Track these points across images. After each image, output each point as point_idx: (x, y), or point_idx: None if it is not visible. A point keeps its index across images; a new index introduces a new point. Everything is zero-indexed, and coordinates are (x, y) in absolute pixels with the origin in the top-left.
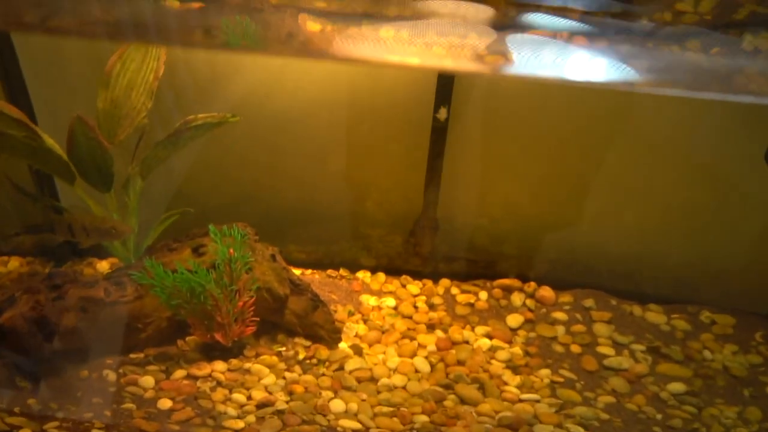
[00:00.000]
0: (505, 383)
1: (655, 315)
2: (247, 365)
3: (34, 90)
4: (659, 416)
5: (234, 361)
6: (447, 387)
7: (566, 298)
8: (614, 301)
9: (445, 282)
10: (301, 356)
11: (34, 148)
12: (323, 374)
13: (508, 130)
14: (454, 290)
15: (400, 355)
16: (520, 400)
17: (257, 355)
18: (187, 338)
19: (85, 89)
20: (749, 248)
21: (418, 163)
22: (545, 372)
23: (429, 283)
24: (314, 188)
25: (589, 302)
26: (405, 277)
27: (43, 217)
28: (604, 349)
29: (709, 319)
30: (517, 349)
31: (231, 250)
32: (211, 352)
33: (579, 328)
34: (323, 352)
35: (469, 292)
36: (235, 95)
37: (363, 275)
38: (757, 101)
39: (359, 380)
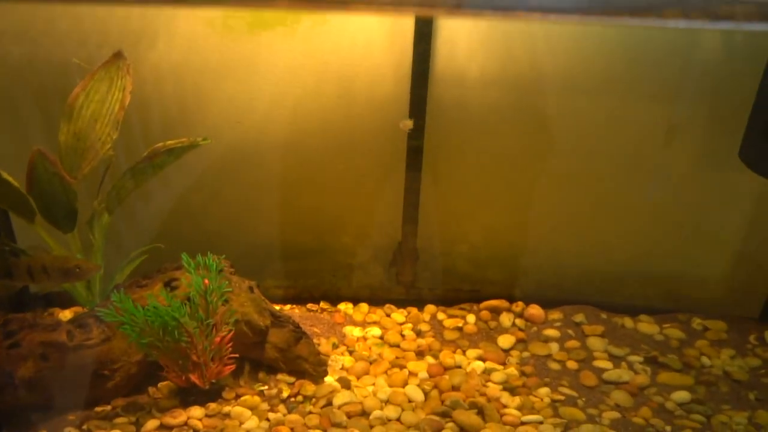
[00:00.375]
0: (505, 406)
1: (647, 325)
2: (227, 408)
3: None
4: (668, 428)
5: (212, 405)
6: (444, 415)
7: (556, 315)
8: (604, 314)
9: (430, 308)
10: (285, 394)
11: None
12: (310, 412)
13: (485, 153)
14: (441, 316)
15: (390, 385)
16: (522, 423)
17: (237, 397)
18: (160, 384)
19: (43, 123)
20: (731, 253)
21: (394, 192)
22: (544, 391)
23: (414, 310)
24: (289, 222)
25: (579, 317)
26: (389, 306)
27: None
28: (601, 363)
29: (701, 325)
30: (513, 370)
31: (206, 281)
32: (186, 397)
33: (573, 343)
34: (309, 387)
35: (456, 316)
36: (204, 126)
37: (345, 307)
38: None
39: (349, 415)
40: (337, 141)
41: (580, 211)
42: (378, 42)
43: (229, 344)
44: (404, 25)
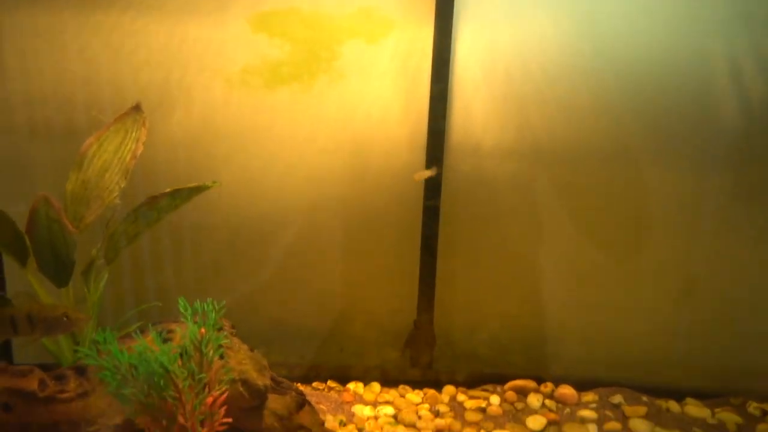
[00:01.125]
0: None
1: (695, 409)
2: None
3: None
4: None
5: None
6: None
7: (590, 396)
8: (645, 397)
9: (449, 389)
10: None
11: None
12: None
13: (504, 227)
14: (461, 397)
15: None
16: None
17: None
18: None
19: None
20: None
21: (409, 270)
22: None
23: (431, 391)
24: (298, 298)
25: (617, 398)
26: (403, 387)
27: None
28: None
29: (758, 409)
30: None
31: (202, 330)
32: None
33: (614, 425)
34: None
35: (478, 397)
36: (212, 196)
37: (354, 386)
38: None
39: None
40: (350, 215)
41: (609, 289)
42: (394, 110)
43: (223, 407)
44: (420, 88)
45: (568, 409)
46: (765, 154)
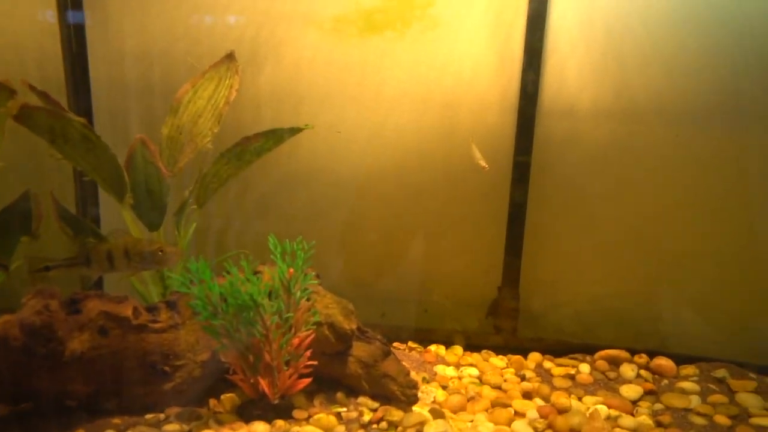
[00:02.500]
0: None
1: None
2: (296, 428)
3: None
4: None
5: (279, 422)
6: None
7: (689, 369)
8: (752, 374)
9: (535, 356)
10: (366, 418)
11: (92, 143)
12: None
13: (597, 195)
14: (548, 364)
15: (493, 422)
16: None
17: (309, 417)
18: (223, 396)
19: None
20: None
21: (495, 236)
22: None
23: (516, 357)
24: (380, 259)
25: (720, 373)
26: (487, 352)
27: (77, 248)
28: (762, 421)
29: None
30: (645, 419)
31: (291, 270)
32: (251, 411)
33: (719, 398)
34: (395, 413)
35: (566, 365)
36: (300, 150)
37: (436, 348)
38: None
39: None
40: (438, 176)
41: (713, 257)
42: (486, 66)
43: (308, 350)
44: (513, 43)
45: (666, 381)
46: None
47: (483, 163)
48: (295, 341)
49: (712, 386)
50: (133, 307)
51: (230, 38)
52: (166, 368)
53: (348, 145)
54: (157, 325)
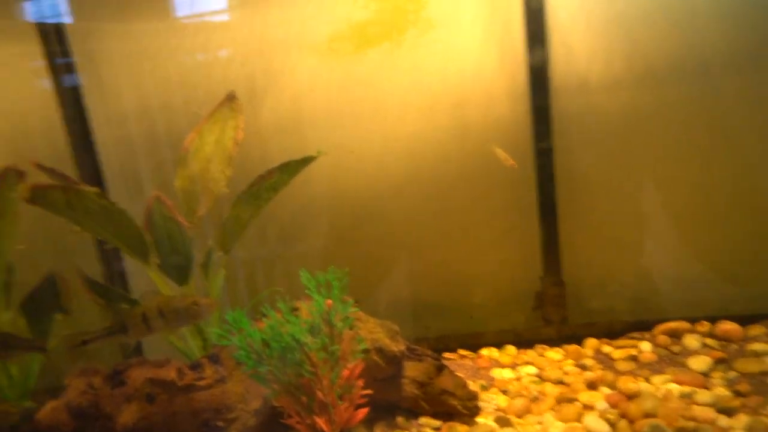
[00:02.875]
0: (727, 429)
1: None
2: None
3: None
4: None
5: None
6: None
7: (757, 329)
8: None
9: (592, 342)
10: None
11: (109, 211)
12: None
13: (623, 167)
14: (607, 348)
15: (562, 420)
16: None
17: None
18: None
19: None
20: None
21: (527, 227)
22: None
23: (572, 347)
24: (414, 271)
25: None
26: (541, 347)
27: (111, 317)
28: None
29: None
30: (722, 390)
31: (329, 301)
32: None
33: None
34: (460, 429)
35: (625, 347)
36: (314, 181)
37: (488, 352)
38: None
39: None
40: (458, 177)
41: (748, 219)
42: (489, 58)
43: (360, 379)
44: (513, 30)
45: (734, 346)
46: None
47: (510, 161)
48: (345, 373)
49: None
50: (177, 368)
51: (227, 77)
52: (220, 423)
53: (361, 162)
54: (203, 382)
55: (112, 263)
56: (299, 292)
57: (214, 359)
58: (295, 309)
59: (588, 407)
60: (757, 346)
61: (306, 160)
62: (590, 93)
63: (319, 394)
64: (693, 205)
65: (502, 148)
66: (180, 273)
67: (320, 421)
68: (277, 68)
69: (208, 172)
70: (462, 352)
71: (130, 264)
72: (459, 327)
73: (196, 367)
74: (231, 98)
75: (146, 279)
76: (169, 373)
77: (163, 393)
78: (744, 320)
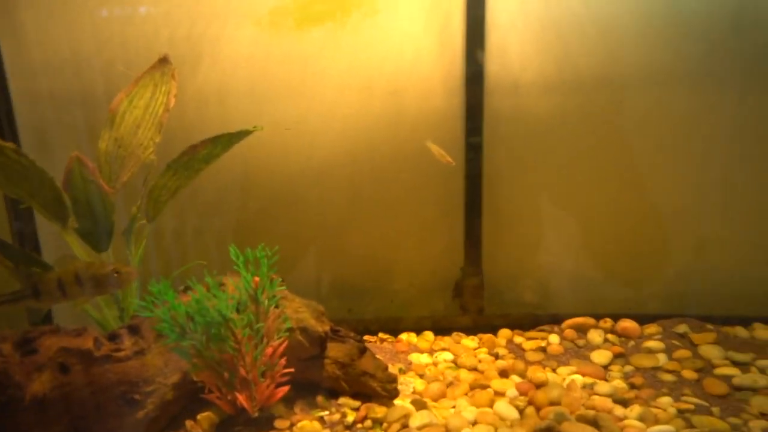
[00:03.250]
0: (622, 418)
1: (766, 332)
2: None
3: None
4: None
5: None
6: (549, 430)
7: (652, 329)
8: (709, 325)
9: (505, 332)
10: (350, 419)
11: (26, 169)
12: None
13: (550, 165)
14: (519, 339)
15: (475, 405)
16: None
17: (292, 425)
18: (199, 416)
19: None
20: None
21: (453, 216)
22: (665, 401)
23: (487, 336)
24: (340, 254)
25: (682, 328)
26: (457, 334)
27: (22, 281)
28: (725, 370)
29: None
30: (619, 383)
31: (256, 279)
32: (230, 428)
33: (683, 353)
34: (378, 410)
35: (536, 338)
36: (247, 154)
37: (407, 336)
38: None
39: None
40: (390, 164)
41: (659, 224)
42: (428, 48)
43: (283, 358)
44: (453, 21)
45: (632, 342)
46: None
47: (447, 158)
48: (269, 351)
49: (675, 342)
50: (94, 338)
51: (161, 39)
52: (137, 396)
53: (295, 140)
54: (121, 354)
55: (23, 224)
56: (226, 266)
57: (134, 330)
58: (222, 284)
59: (499, 394)
60: (652, 344)
61: (241, 134)
62: (521, 94)
63: (242, 371)
64: (602, 209)
65: (435, 139)
66: (99, 239)
67: (241, 398)
68: (215, 34)
69: (136, 137)
70: (382, 335)
71: (45, 227)
72: (380, 311)
73: (114, 337)
74: (164, 61)
75: (62, 250)
76: (86, 343)
77: (78, 363)
78: (642, 319)
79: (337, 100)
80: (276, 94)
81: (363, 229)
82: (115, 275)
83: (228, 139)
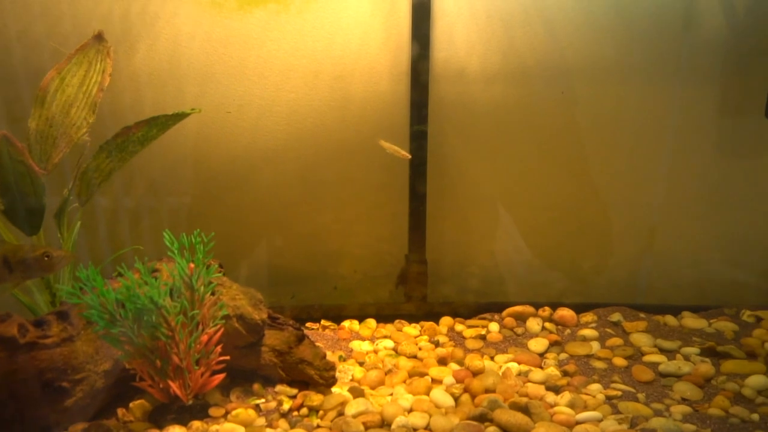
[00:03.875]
0: (552, 405)
1: (693, 320)
2: (215, 427)
3: None
4: (755, 416)
5: (196, 424)
6: (482, 418)
7: (589, 317)
8: (642, 314)
9: (447, 320)
10: (286, 407)
11: None
12: (318, 426)
13: (494, 153)
14: (459, 327)
15: (412, 393)
16: (579, 422)
17: (227, 413)
18: (131, 404)
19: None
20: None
21: (398, 203)
22: (595, 387)
23: (428, 323)
24: (283, 240)
25: (615, 317)
26: (399, 322)
27: None
28: (653, 358)
29: (752, 317)
30: (553, 370)
31: (191, 265)
32: (164, 416)
33: (615, 341)
34: (315, 398)
35: (476, 326)
36: (186, 138)
37: (350, 324)
38: None
39: (367, 426)
40: (334, 150)
41: (598, 214)
42: (374, 32)
43: (218, 345)
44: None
45: (568, 330)
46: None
47: (403, 153)
48: (204, 338)
49: (609, 330)
50: (18, 324)
51: (97, 16)
52: (65, 384)
53: (238, 123)
54: (48, 340)
55: None
56: (162, 251)
57: (63, 316)
58: (156, 270)
59: (436, 381)
60: (587, 332)
61: (178, 116)
62: (466, 83)
63: (175, 359)
64: (543, 199)
65: (381, 127)
66: (29, 222)
67: (174, 385)
68: (153, 12)
69: (69, 116)
70: (324, 322)
71: None
72: (323, 297)
73: (41, 323)
74: (99, 38)
75: None
76: (10, 329)
77: (2, 350)
78: (579, 308)
79: (282, 83)
80: (217, 76)
81: (308, 214)
82: (46, 259)
83: (164, 121)
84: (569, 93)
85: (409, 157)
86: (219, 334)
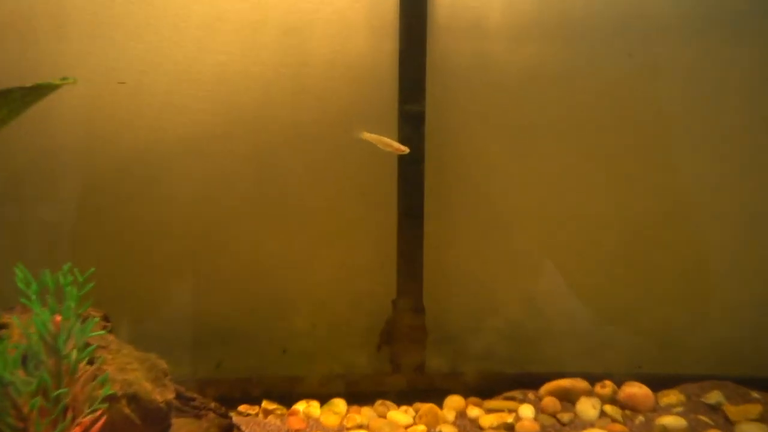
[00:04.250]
0: None
1: None
2: None
3: None
4: None
5: None
6: None
7: (672, 397)
8: (755, 392)
9: (454, 401)
10: None
11: None
12: None
13: (523, 144)
14: (474, 411)
15: None
16: None
17: None
18: None
19: None
20: None
21: (383, 220)
22: None
23: (427, 406)
24: (209, 277)
25: (714, 396)
26: (383, 403)
27: None
28: None
29: None
30: None
31: (57, 317)
32: None
33: None
34: None
35: (500, 410)
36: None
37: (306, 406)
38: None
39: None
40: (289, 137)
41: (690, 238)
42: None
43: None
44: None
45: (641, 417)
46: None
47: (397, 146)
48: (76, 431)
49: (703, 418)
50: None
51: None
52: None
53: (138, 100)
54: None
55: None
56: (14, 296)
57: None
58: (2, 326)
59: None
60: (669, 419)
61: (41, 89)
62: (484, 39)
63: None
64: (600, 216)
65: (354, 104)
66: None
67: None
68: None
69: None
70: (267, 404)
71: None
72: (266, 366)
73: None
74: None
75: None
76: None
77: None
78: (657, 382)
79: (205, 39)
80: (112, 29)
81: (245, 237)
82: None
83: (20, 97)
84: (641, 56)
85: (406, 150)
86: (100, 424)
